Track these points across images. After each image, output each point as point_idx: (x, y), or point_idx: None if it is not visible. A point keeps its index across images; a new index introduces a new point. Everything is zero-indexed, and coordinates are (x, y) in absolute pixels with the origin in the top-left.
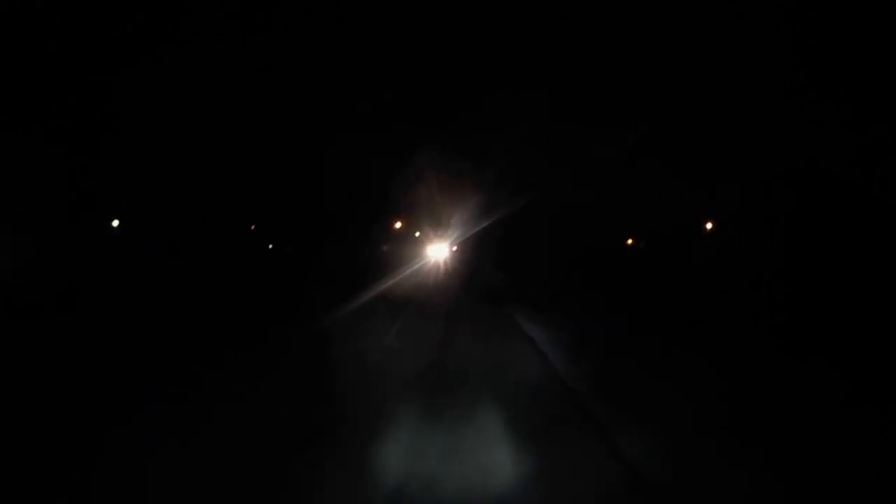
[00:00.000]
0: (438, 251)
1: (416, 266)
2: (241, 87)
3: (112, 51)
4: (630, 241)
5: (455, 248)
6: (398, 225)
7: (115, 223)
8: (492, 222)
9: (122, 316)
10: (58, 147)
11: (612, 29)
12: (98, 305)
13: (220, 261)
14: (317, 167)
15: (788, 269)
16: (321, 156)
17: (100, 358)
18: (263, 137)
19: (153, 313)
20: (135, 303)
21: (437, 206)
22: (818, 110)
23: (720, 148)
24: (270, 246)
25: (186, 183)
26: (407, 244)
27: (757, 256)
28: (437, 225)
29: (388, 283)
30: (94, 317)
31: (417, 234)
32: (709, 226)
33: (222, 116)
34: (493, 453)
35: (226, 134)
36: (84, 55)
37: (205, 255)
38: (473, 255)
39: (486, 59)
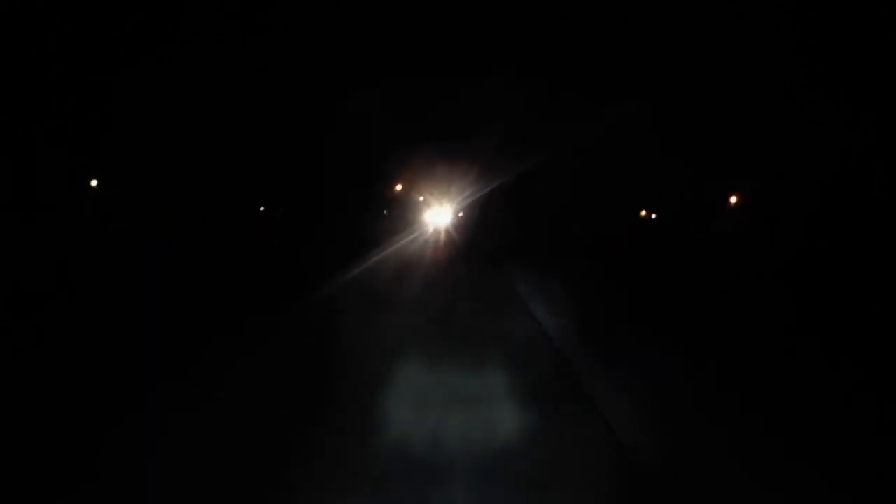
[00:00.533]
0: (440, 218)
1: (416, 234)
2: (239, 83)
3: (112, 51)
4: (643, 213)
5: (459, 215)
6: (398, 188)
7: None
8: (496, 188)
9: (114, 305)
10: (58, 147)
11: (616, 25)
12: (92, 296)
13: (216, 238)
14: (315, 131)
15: (788, 268)
16: (320, 117)
17: (92, 350)
18: (262, 109)
19: (147, 301)
20: (128, 292)
21: (440, 171)
22: (818, 110)
23: (722, 144)
24: (262, 209)
25: (183, 170)
26: (407, 210)
27: (758, 254)
28: (440, 191)
29: (385, 252)
30: (88, 308)
31: (421, 198)
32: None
33: (221, 112)
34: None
35: (222, 115)
36: (84, 55)
37: (201, 240)
38: (477, 223)
39: (492, 32)
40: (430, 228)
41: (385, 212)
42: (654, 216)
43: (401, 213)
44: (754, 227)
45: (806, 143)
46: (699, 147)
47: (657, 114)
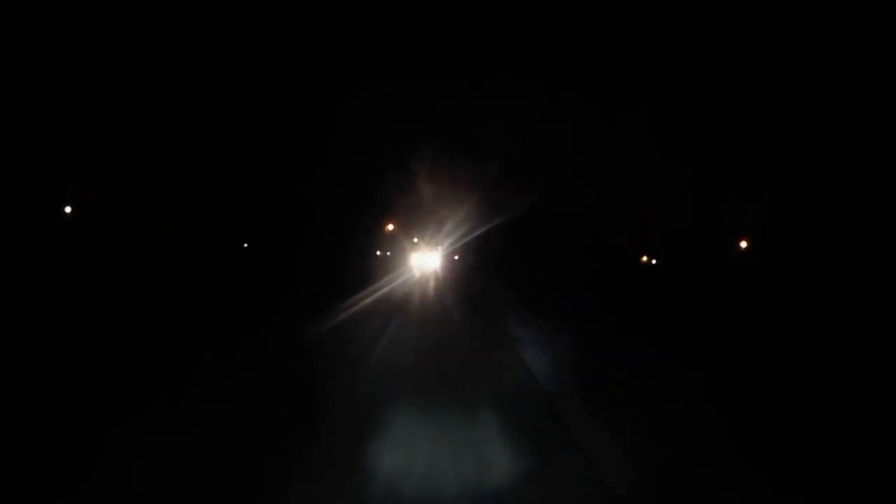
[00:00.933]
0: (430, 260)
1: (402, 279)
2: (238, 86)
3: (112, 51)
4: (644, 258)
5: (451, 257)
6: (390, 228)
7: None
8: (491, 228)
9: (115, 305)
10: (57, 147)
11: (617, 27)
12: (91, 296)
13: (205, 262)
14: (306, 161)
15: (794, 273)
16: (311, 148)
17: (91, 350)
18: (254, 137)
19: (146, 305)
20: (128, 293)
21: (432, 210)
22: (818, 110)
23: (723, 145)
24: (245, 245)
25: (181, 170)
26: (394, 251)
27: (763, 260)
28: (430, 230)
29: (366, 301)
30: (87, 308)
31: (415, 239)
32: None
33: (220, 116)
34: None
35: (221, 133)
36: (84, 55)
37: (197, 257)
38: (471, 266)
39: (485, 51)
40: (419, 273)
41: (371, 251)
42: (654, 262)
43: (390, 254)
44: (758, 233)
45: (807, 144)
46: (700, 149)
47: (658, 117)
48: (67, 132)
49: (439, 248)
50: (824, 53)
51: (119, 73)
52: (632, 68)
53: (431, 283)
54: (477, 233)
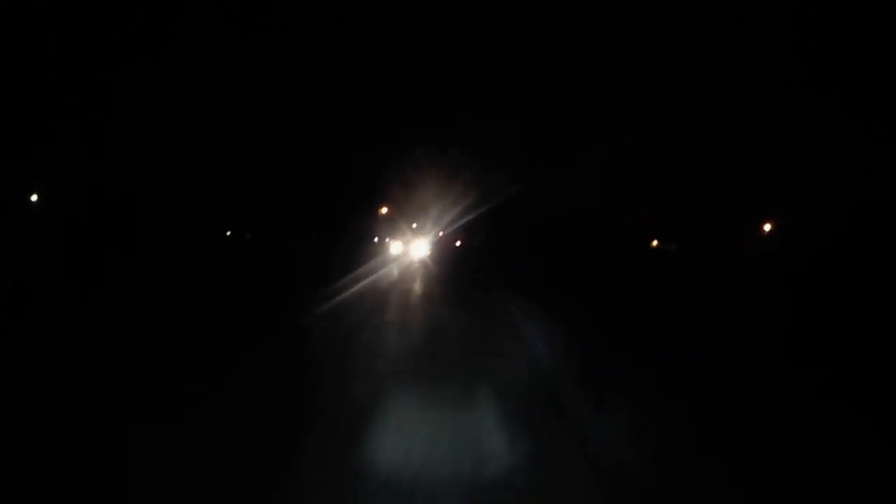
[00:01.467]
0: (422, 245)
1: (393, 265)
2: (234, 83)
3: (112, 51)
4: (655, 243)
5: (445, 241)
6: (384, 212)
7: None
8: (486, 212)
9: (113, 305)
10: (56, 147)
11: (617, 32)
12: (89, 296)
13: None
14: (296, 152)
15: (792, 275)
16: (299, 140)
17: (88, 350)
18: (247, 127)
19: (145, 302)
20: (129, 292)
21: (423, 196)
22: (818, 110)
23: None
24: (228, 233)
25: (180, 170)
26: (390, 236)
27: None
28: (420, 217)
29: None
30: (85, 307)
31: (414, 224)
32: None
33: (216, 114)
34: None
35: (216, 127)
36: (84, 55)
37: (199, 241)
38: (462, 250)
39: (483, 54)
40: (410, 258)
41: (368, 238)
42: (660, 245)
43: (388, 240)
44: (749, 238)
45: (807, 144)
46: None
47: (651, 131)
48: (67, 132)
49: (432, 232)
50: (824, 53)
51: (119, 73)
52: (632, 71)
53: (422, 267)
54: (469, 218)
